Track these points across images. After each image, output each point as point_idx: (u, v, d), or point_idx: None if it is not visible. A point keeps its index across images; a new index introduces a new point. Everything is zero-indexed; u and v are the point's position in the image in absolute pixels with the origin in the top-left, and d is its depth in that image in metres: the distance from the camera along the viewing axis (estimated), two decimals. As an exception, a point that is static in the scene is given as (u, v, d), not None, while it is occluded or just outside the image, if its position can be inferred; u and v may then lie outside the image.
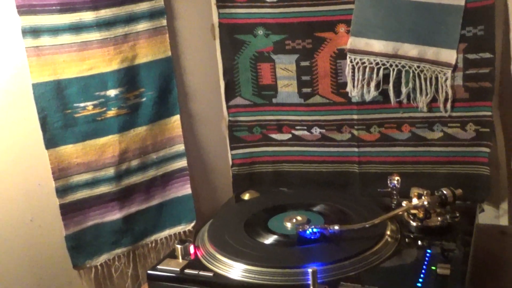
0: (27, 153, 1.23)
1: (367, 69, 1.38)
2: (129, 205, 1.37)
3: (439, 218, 1.08)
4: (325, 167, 1.51)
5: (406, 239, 1.06)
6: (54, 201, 1.27)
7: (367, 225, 1.05)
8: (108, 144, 1.31)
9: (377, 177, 1.45)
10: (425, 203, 1.08)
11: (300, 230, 1.05)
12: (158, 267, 1.04)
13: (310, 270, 0.91)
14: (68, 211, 1.28)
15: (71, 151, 1.27)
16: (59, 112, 1.24)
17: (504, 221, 1.40)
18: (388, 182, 1.20)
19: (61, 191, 1.27)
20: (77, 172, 1.28)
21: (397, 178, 1.19)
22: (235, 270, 0.99)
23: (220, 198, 1.54)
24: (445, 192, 1.09)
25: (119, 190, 1.34)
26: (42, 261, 1.28)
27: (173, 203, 1.44)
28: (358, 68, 1.38)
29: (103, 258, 1.35)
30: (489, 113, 1.32)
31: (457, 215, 1.10)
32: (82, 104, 1.27)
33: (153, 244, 1.43)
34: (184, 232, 1.45)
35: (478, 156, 1.36)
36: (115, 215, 1.35)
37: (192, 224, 1.46)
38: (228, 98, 1.51)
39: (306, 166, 1.52)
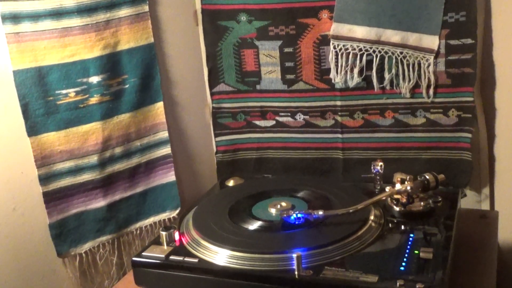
0: (9, 141, 1.21)
1: (350, 55, 1.38)
2: (113, 193, 1.36)
3: (421, 203, 1.09)
4: (309, 153, 1.51)
5: (390, 224, 1.07)
6: (37, 189, 1.26)
7: (350, 210, 1.05)
8: (91, 132, 1.30)
9: (361, 163, 1.46)
10: (408, 188, 1.08)
11: (285, 215, 1.05)
12: (143, 254, 1.04)
13: (294, 255, 0.92)
14: (52, 199, 1.27)
15: (53, 139, 1.26)
16: (41, 99, 1.23)
17: (485, 206, 1.42)
18: (372, 168, 1.21)
19: (44, 179, 1.25)
20: (60, 160, 1.27)
21: (380, 163, 1.20)
22: (220, 256, 0.99)
23: (204, 185, 1.55)
24: (427, 177, 1.10)
25: (102, 177, 1.34)
26: (25, 250, 1.27)
27: (157, 190, 1.43)
28: (342, 54, 1.39)
29: (87, 246, 1.34)
30: (471, 99, 1.34)
31: (440, 200, 1.11)
32: (64, 91, 1.26)
33: (138, 232, 1.43)
34: (169, 219, 1.45)
35: (460, 141, 1.37)
36: (99, 203, 1.34)
37: (177, 211, 1.45)
38: (212, 84, 1.50)
39: (290, 153, 1.53)
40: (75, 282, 1.34)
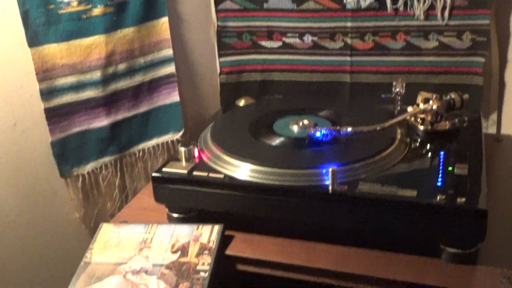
0: (8, 52, 1.13)
1: (365, -27, 1.32)
2: (116, 112, 1.30)
3: (447, 122, 1.07)
4: (316, 76, 1.47)
5: (417, 143, 1.05)
6: (38, 105, 1.18)
7: (378, 128, 1.02)
8: (94, 45, 1.22)
9: (369, 87, 1.43)
10: (435, 107, 1.06)
11: (311, 132, 1.01)
12: (163, 169, 0.99)
13: (330, 170, 0.89)
14: (54, 115, 1.20)
15: (55, 51, 1.17)
16: (42, 6, 1.14)
17: (492, 131, 1.41)
18: (393, 88, 1.17)
19: (46, 94, 1.18)
20: (62, 74, 1.20)
21: (402, 83, 1.16)
22: (245, 171, 0.95)
23: (207, 107, 1.49)
24: (453, 96, 1.08)
25: (105, 95, 1.27)
26: (26, 169, 1.21)
27: (161, 111, 1.37)
28: (356, -29, 1.33)
29: (90, 166, 1.28)
30: (487, 22, 1.30)
31: (466, 119, 1.09)
32: (66, 0, 1.17)
33: (140, 154, 1.37)
34: (172, 141, 1.40)
35: (472, 66, 1.35)
36: (102, 122, 1.28)
37: (180, 133, 1.40)
38: (217, 1, 1.43)
39: (296, 75, 1.48)
40: (77, 204, 1.29)
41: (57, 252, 1.30)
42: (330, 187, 0.89)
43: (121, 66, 1.28)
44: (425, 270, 0.86)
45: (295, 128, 1.08)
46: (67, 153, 1.24)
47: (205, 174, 0.96)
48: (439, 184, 0.89)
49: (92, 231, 1.30)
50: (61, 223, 1.29)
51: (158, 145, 1.39)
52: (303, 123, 1.08)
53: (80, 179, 1.27)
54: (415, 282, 0.84)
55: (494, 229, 0.87)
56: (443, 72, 1.38)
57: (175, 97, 1.38)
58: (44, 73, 1.17)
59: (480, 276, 0.85)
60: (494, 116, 1.41)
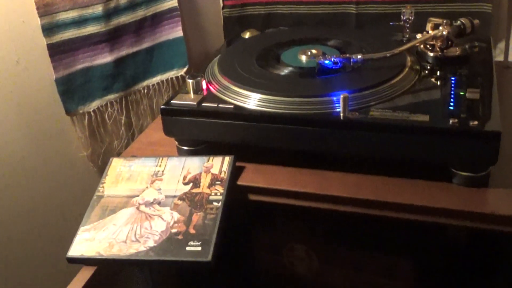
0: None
1: None
2: (119, 48, 1.28)
3: (457, 48, 1.05)
4: (321, 8, 1.43)
5: (427, 70, 1.03)
6: (41, 41, 1.16)
7: (388, 55, 1.00)
8: (94, -22, 1.19)
9: (375, 18, 1.40)
10: (445, 32, 1.04)
11: (321, 60, 1.00)
12: (172, 102, 0.98)
13: (341, 96, 0.88)
14: (57, 52, 1.18)
15: (54, -16, 1.14)
16: None
17: (500, 60, 1.40)
18: (401, 15, 1.15)
19: (48, 30, 1.16)
20: (63, 9, 1.17)
21: (410, 10, 1.14)
22: (255, 101, 0.94)
23: (210, 43, 1.46)
24: (464, 21, 1.05)
25: (108, 30, 1.24)
26: (31, 107, 1.20)
27: (165, 46, 1.35)
28: None
29: (95, 104, 1.27)
30: None
31: (476, 45, 1.07)
32: None
33: (145, 91, 1.36)
34: (177, 77, 1.38)
35: (481, -8, 1.32)
36: (106, 58, 1.26)
37: (185, 69, 1.38)
38: None
39: (300, 8, 1.44)
40: (84, 142, 1.28)
41: (66, 190, 1.31)
42: (341, 114, 0.88)
43: (123, 0, 1.25)
44: (438, 194, 0.86)
45: (303, 58, 1.06)
46: (72, 91, 1.23)
47: (214, 105, 0.95)
48: (451, 108, 0.88)
49: (100, 169, 1.30)
50: (69, 161, 1.29)
51: (163, 81, 1.37)
52: (311, 52, 1.07)
53: (86, 117, 1.27)
54: (429, 206, 0.84)
55: (505, 152, 0.87)
56: (451, 0, 1.35)
57: (178, 32, 1.35)
58: (45, 8, 1.14)
59: (492, 198, 0.85)
60: (501, 45, 1.39)
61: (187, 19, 1.39)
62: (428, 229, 0.96)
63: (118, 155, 1.10)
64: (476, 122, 0.83)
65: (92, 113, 1.27)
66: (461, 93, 0.92)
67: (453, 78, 0.97)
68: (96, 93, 1.27)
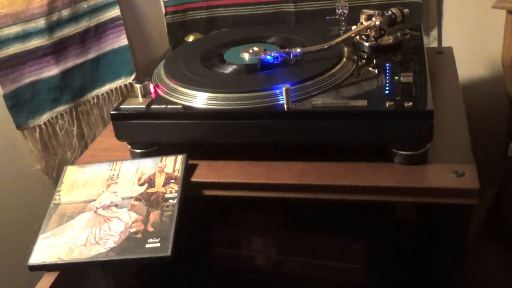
0: None
1: None
2: (65, 60, 1.29)
3: (390, 37, 1.11)
4: (260, 8, 1.48)
5: (363, 59, 1.09)
6: (-15, 58, 1.17)
7: (325, 47, 1.05)
8: (35, -7, 1.21)
9: (313, 15, 1.46)
10: (377, 22, 1.09)
11: (262, 56, 1.04)
12: (121, 106, 1.00)
13: (283, 88, 0.92)
14: (2, 67, 1.19)
15: (-5, 1, 1.15)
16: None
17: (434, 46, 1.47)
18: (336, 9, 1.20)
19: (-8, 46, 1.17)
20: (5, 25, 1.18)
21: (345, 4, 1.19)
22: (202, 100, 0.97)
23: (156, 49, 1.49)
24: (394, 11, 1.11)
25: (52, 43, 1.26)
26: (-20, 124, 1.20)
27: (110, 55, 1.37)
28: None
29: (45, 116, 1.28)
30: None
31: (407, 32, 1.13)
32: None
33: (95, 100, 1.37)
34: (125, 85, 1.40)
35: (410, -17, 1.38)
36: (52, 71, 1.27)
37: (132, 77, 1.41)
38: None
39: (240, 9, 1.49)
40: (37, 155, 1.29)
41: (22, 204, 1.31)
42: (285, 106, 0.93)
43: (65, 12, 1.27)
44: (380, 173, 0.91)
45: (246, 56, 1.10)
46: (20, 105, 1.23)
47: (163, 106, 0.98)
48: (387, 92, 0.94)
49: (55, 181, 1.30)
50: (23, 175, 1.29)
51: (111, 90, 1.39)
52: (253, 50, 1.11)
53: (37, 130, 1.27)
54: (372, 185, 0.89)
55: (440, 131, 0.92)
56: (383, -9, 1.41)
57: (123, 41, 1.38)
58: (-14, 24, 1.15)
59: (430, 173, 0.91)
60: (434, 33, 1.47)
61: (131, 27, 1.42)
62: (377, 209, 1.01)
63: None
64: (410, 103, 0.89)
65: (43, 126, 1.28)
66: (395, 77, 0.98)
67: (387, 65, 1.03)
68: (46, 106, 1.28)
